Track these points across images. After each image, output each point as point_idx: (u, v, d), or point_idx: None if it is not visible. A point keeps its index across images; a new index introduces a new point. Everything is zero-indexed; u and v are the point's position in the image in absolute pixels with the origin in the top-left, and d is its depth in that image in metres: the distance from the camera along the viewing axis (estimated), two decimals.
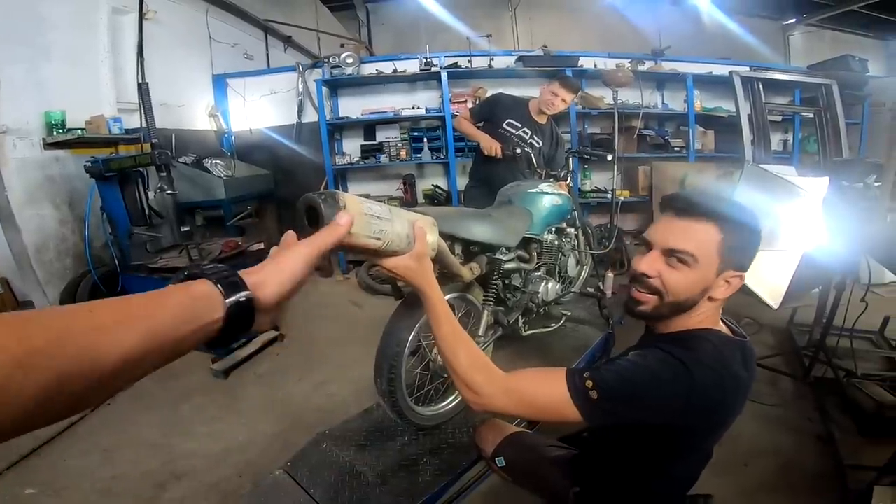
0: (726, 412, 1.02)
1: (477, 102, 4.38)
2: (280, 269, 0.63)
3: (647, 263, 1.04)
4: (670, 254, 1.01)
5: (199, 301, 0.52)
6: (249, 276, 0.59)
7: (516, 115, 3.32)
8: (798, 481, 2.03)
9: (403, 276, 0.95)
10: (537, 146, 3.28)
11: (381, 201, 0.96)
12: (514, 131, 3.29)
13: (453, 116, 4.53)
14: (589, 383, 0.94)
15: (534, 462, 1.49)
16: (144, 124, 4.07)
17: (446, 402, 2.02)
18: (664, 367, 0.95)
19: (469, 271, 1.47)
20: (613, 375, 0.96)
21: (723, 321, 1.11)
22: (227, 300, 0.54)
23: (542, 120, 3.36)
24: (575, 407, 0.94)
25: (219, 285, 0.54)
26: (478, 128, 3.33)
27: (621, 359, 1.02)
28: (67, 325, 0.41)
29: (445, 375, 1.91)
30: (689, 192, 1.12)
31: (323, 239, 0.70)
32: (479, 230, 1.90)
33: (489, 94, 4.60)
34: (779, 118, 5.77)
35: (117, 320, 0.45)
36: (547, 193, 2.50)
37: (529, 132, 3.30)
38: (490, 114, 3.37)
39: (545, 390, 0.99)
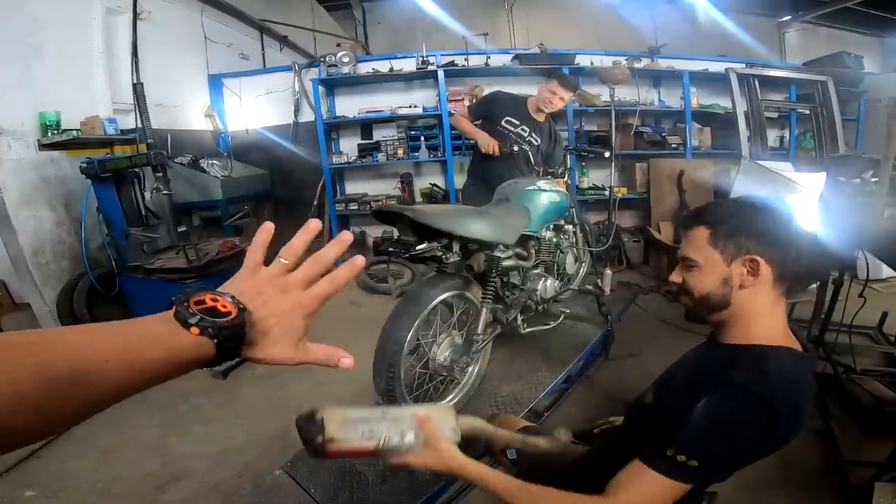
0: (796, 434, 1.03)
1: (475, 100, 4.37)
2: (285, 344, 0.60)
3: (674, 275, 1.20)
4: (683, 262, 1.16)
5: (200, 359, 0.52)
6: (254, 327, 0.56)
7: (514, 112, 3.31)
8: (799, 478, 2.02)
9: (423, 467, 0.93)
10: (535, 144, 3.28)
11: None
12: (512, 129, 3.28)
13: (450, 115, 4.52)
14: (681, 457, 0.95)
15: (542, 457, 1.51)
16: (140, 125, 4.06)
17: (446, 401, 2.02)
18: (745, 409, 0.95)
19: (552, 440, 1.22)
20: (699, 437, 0.96)
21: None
22: (219, 359, 0.54)
23: (541, 118, 3.36)
24: (678, 483, 0.95)
25: (220, 352, 0.53)
26: (476, 126, 3.32)
27: (695, 413, 0.99)
28: (85, 375, 0.43)
29: (444, 373, 1.91)
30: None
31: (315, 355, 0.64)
32: (477, 228, 1.90)
33: (486, 92, 4.60)
34: (775, 115, 5.77)
35: (125, 372, 0.47)
36: (544, 191, 2.50)
37: (528, 130, 3.29)
38: (488, 112, 3.36)
39: (645, 490, 0.98)
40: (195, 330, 0.51)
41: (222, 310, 0.52)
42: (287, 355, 0.59)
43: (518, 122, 3.29)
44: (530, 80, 5.08)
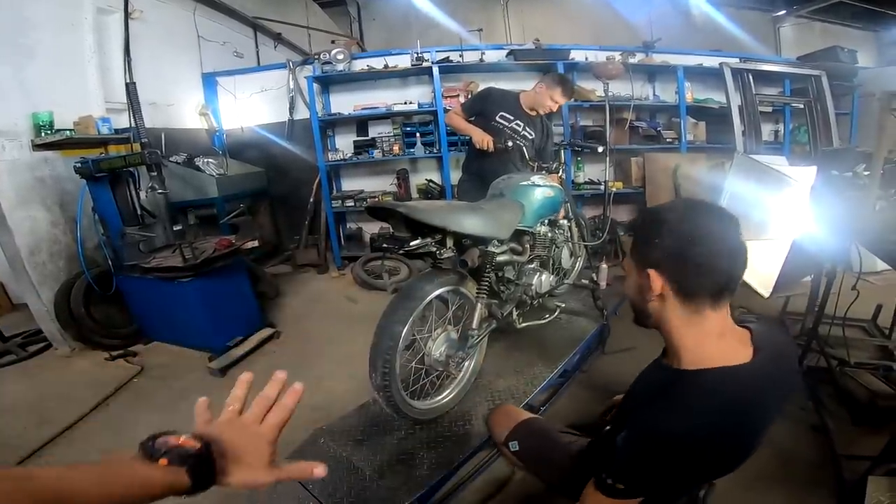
0: (745, 456, 1.04)
1: (468, 97, 4.37)
2: (252, 474, 0.67)
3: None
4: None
5: (174, 488, 0.60)
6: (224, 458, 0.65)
7: (508, 107, 3.31)
8: (794, 472, 2.03)
9: None
10: (530, 138, 3.28)
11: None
12: (506, 124, 3.28)
13: (446, 111, 4.52)
14: (610, 481, 1.02)
15: (546, 448, 1.56)
16: (133, 124, 4.05)
17: (442, 396, 2.03)
18: (657, 450, 0.97)
19: None
20: (622, 467, 1.02)
21: (746, 328, 1.08)
22: (195, 488, 0.61)
23: (533, 112, 3.36)
24: (619, 500, 1.02)
25: (194, 478, 0.60)
26: (470, 122, 3.32)
27: (618, 443, 1.04)
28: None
29: (440, 369, 1.92)
30: None
31: (288, 473, 0.72)
32: (470, 223, 1.90)
33: (481, 88, 4.60)
34: (769, 109, 5.78)
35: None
36: (538, 185, 2.50)
37: (522, 125, 3.29)
38: (482, 108, 3.36)
39: None
40: (164, 461, 0.59)
41: (186, 445, 0.62)
42: (260, 478, 0.67)
43: (512, 118, 3.29)
44: (525, 75, 5.08)
